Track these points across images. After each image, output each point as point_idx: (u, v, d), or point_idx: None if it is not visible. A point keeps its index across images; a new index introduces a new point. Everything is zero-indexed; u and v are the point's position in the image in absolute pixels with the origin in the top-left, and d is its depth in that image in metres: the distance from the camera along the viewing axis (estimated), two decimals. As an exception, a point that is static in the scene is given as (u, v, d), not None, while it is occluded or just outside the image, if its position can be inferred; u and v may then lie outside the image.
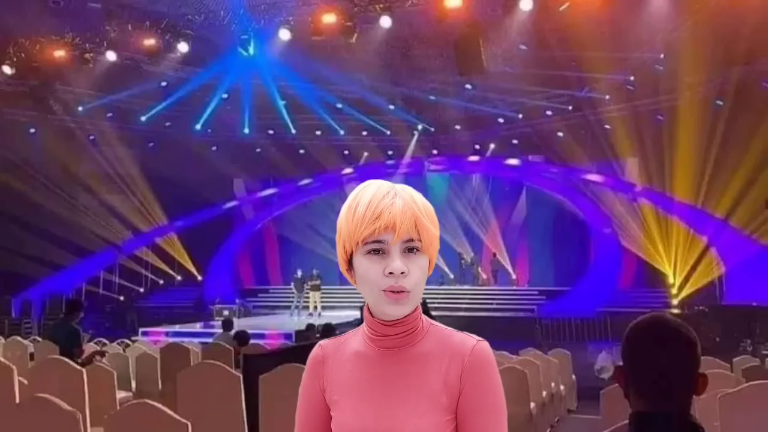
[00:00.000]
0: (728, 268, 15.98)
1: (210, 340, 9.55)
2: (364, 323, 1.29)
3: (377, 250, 1.17)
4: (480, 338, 1.24)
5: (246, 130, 20.29)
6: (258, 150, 21.55)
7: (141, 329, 15.52)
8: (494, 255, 21.00)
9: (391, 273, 1.16)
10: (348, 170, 22.41)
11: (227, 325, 8.96)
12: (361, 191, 1.23)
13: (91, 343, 8.12)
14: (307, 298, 17.61)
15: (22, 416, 2.89)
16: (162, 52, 14.20)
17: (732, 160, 14.68)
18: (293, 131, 20.74)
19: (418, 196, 1.23)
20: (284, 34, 13.33)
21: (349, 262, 1.23)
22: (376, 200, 1.19)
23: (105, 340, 9.34)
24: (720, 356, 6.20)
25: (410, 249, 1.18)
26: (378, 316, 1.23)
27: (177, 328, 15.61)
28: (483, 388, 1.20)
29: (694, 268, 16.61)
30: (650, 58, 15.58)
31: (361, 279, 1.21)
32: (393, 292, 1.17)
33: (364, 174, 20.95)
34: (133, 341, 10.55)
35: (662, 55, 15.37)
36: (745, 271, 14.98)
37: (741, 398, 3.56)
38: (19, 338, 8.03)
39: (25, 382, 4.41)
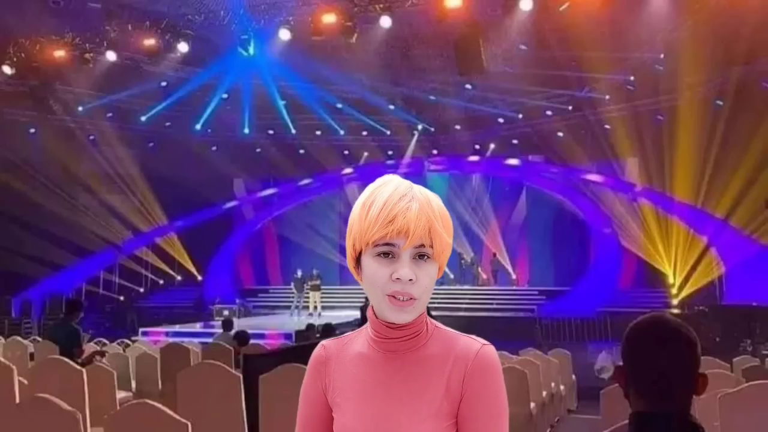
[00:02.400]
0: (728, 268, 15.98)
1: (210, 340, 9.55)
2: (368, 324, 1.27)
3: (387, 253, 1.15)
4: (486, 342, 1.22)
5: (246, 130, 20.29)
6: (258, 150, 21.54)
7: (141, 329, 15.52)
8: (494, 255, 21.00)
9: (398, 278, 1.14)
10: (348, 170, 22.41)
11: (227, 325, 8.96)
12: (377, 189, 1.20)
13: (91, 343, 8.13)
14: (307, 298, 17.61)
15: (22, 416, 2.89)
16: (162, 52, 14.20)
17: (732, 160, 14.68)
18: (293, 131, 20.74)
19: (435, 201, 1.20)
20: (284, 34, 13.33)
21: (357, 260, 1.21)
22: (392, 202, 1.16)
23: (105, 340, 9.34)
24: (720, 356, 6.20)
25: (421, 255, 1.16)
26: (382, 319, 1.21)
27: (177, 328, 15.61)
28: (484, 394, 1.17)
29: (694, 268, 16.61)
30: (650, 58, 15.58)
31: (367, 280, 1.18)
32: (398, 299, 1.15)
33: (364, 174, 20.96)
34: (133, 341, 10.55)
35: (662, 55, 15.37)
36: (745, 271, 14.98)
37: (741, 398, 3.56)
38: (19, 338, 8.02)
39: (25, 382, 4.41)
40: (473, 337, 1.23)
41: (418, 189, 1.21)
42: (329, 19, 12.38)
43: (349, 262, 1.23)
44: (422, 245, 1.15)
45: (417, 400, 1.18)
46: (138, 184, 20.04)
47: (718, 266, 16.30)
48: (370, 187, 1.22)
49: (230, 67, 16.04)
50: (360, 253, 1.19)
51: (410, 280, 1.14)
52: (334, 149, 21.74)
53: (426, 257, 1.16)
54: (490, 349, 1.21)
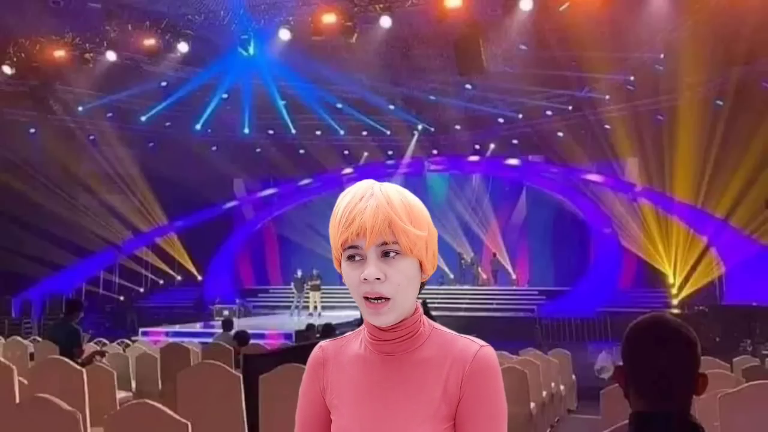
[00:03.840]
0: (728, 268, 15.98)
1: (210, 340, 9.55)
2: (364, 325, 1.27)
3: (354, 255, 1.16)
4: (484, 344, 1.20)
5: (246, 130, 20.29)
6: (258, 150, 21.55)
7: (141, 329, 15.51)
8: (494, 255, 21.00)
9: (365, 279, 1.14)
10: (348, 170, 22.40)
11: (227, 325, 8.96)
12: (342, 196, 1.22)
13: (91, 343, 8.12)
14: (307, 298, 17.60)
15: (22, 416, 2.89)
16: (162, 52, 14.19)
17: (732, 160, 14.68)
18: (293, 131, 20.74)
19: (396, 196, 1.18)
20: (284, 34, 13.33)
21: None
22: (351, 205, 1.17)
23: (105, 340, 9.34)
24: (720, 356, 6.20)
25: (387, 253, 1.14)
26: None
27: (177, 328, 15.60)
28: (482, 396, 1.16)
29: (694, 268, 16.61)
30: (650, 58, 15.58)
31: (346, 284, 1.19)
32: (371, 301, 1.15)
33: (364, 174, 20.95)
34: (133, 341, 10.55)
35: (662, 55, 15.37)
36: (745, 271, 14.98)
37: (741, 398, 3.56)
38: (19, 338, 8.02)
39: (25, 382, 4.41)
40: (472, 338, 1.22)
41: (380, 187, 1.19)
42: (329, 19, 12.37)
43: (337, 269, 1.24)
44: (385, 243, 1.14)
45: (414, 402, 1.17)
46: (138, 184, 20.04)
47: (718, 266, 16.30)
48: (339, 196, 1.23)
49: (230, 67, 16.04)
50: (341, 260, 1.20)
51: (377, 278, 1.13)
52: (334, 149, 21.74)
53: (393, 253, 1.15)
54: (489, 350, 1.20)
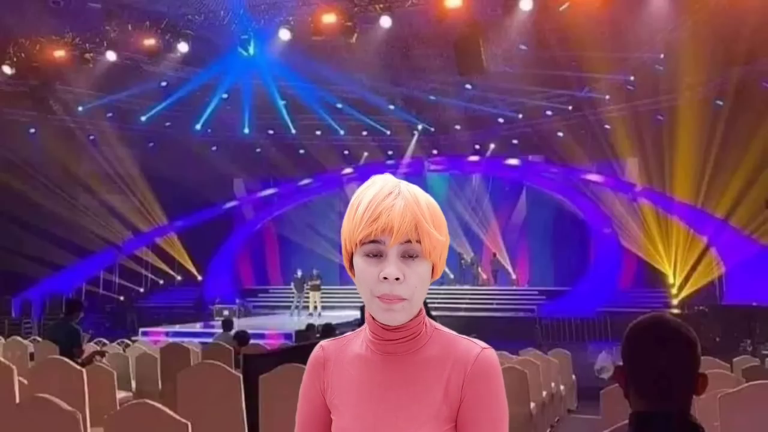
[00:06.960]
0: (728, 268, 15.98)
1: (210, 340, 9.56)
2: (365, 325, 1.26)
3: (375, 251, 1.14)
4: (486, 345, 1.20)
5: (246, 130, 20.29)
6: (258, 150, 21.56)
7: (141, 329, 15.52)
8: (494, 255, 21.00)
9: (385, 278, 1.12)
10: (348, 170, 22.42)
11: (227, 325, 8.96)
12: (364, 189, 1.20)
13: (91, 343, 8.12)
14: (307, 298, 17.61)
15: (22, 416, 2.89)
16: (162, 52, 14.19)
17: (732, 160, 14.68)
18: (293, 131, 20.74)
19: (423, 198, 1.18)
20: (284, 34, 13.33)
21: (351, 261, 1.20)
22: (377, 200, 1.15)
23: (105, 340, 9.34)
24: (720, 356, 6.20)
25: (409, 253, 1.14)
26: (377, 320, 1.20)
27: (177, 328, 15.62)
28: (484, 399, 1.16)
29: (694, 268, 16.61)
30: (650, 58, 15.58)
31: (358, 280, 1.17)
32: (387, 298, 1.13)
33: (364, 174, 20.92)
34: (133, 341, 10.56)
35: (662, 55, 15.37)
36: (745, 271, 14.97)
37: (741, 398, 3.56)
38: (19, 338, 8.02)
39: (25, 382, 4.41)
40: (473, 340, 1.21)
41: (406, 187, 1.19)
42: (329, 19, 12.37)
43: (345, 263, 1.22)
44: (409, 241, 1.13)
45: (415, 403, 1.17)
46: (138, 184, 20.04)
47: (718, 266, 16.30)
48: (360, 188, 1.21)
49: (230, 67, 16.03)
50: (352, 254, 1.18)
51: (397, 279, 1.12)
52: (334, 149, 21.74)
53: (415, 255, 1.14)
54: (490, 352, 1.19)
